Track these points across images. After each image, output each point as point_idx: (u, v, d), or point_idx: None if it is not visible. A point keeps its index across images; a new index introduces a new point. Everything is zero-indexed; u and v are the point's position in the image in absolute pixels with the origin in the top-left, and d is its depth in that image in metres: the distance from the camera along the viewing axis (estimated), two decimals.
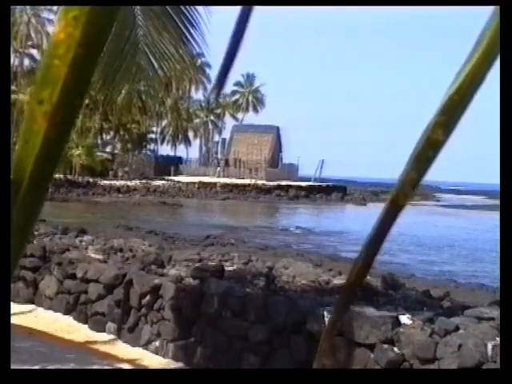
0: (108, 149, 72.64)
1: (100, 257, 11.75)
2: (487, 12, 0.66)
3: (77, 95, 0.56)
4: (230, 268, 10.74)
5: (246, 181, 66.19)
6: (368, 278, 10.02)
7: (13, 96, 54.64)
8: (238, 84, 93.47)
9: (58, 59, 0.54)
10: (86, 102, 53.75)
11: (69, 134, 0.57)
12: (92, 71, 0.57)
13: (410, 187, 0.69)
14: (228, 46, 0.69)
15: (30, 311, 11.25)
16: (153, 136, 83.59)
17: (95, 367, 8.31)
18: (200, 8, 6.64)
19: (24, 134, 0.56)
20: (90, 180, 55.12)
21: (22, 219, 0.57)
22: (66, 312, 10.94)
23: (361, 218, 43.39)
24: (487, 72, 0.65)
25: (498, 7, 0.64)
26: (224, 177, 69.31)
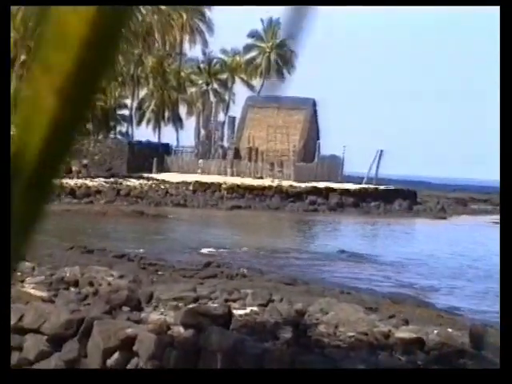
0: None
1: (43, 294, 11.78)
2: None
3: None
4: (241, 312, 10.74)
5: (266, 181, 66.27)
6: (449, 331, 9.97)
7: None
8: (254, 35, 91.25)
9: None
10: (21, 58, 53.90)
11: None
12: None
13: None
14: None
15: None
16: (126, 112, 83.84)
17: None
18: None
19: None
20: None
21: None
22: None
23: (441, 240, 43.24)
24: None
25: None
26: (232, 175, 69.39)
